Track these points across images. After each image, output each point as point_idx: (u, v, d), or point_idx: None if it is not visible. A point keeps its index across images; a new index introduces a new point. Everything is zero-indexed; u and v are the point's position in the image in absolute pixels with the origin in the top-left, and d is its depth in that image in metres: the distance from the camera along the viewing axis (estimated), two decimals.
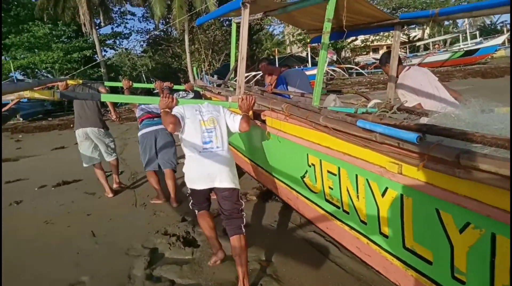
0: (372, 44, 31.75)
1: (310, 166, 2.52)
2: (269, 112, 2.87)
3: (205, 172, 2.40)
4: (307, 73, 5.42)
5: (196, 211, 2.63)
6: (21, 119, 16.08)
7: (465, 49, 23.42)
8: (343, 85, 18.82)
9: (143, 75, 24.75)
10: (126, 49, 30.24)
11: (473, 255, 1.44)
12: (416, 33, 35.08)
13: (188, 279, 2.51)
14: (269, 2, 3.08)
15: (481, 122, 1.49)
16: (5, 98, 2.49)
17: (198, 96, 4.26)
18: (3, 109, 3.40)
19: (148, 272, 2.64)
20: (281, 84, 4.21)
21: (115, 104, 5.05)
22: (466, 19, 26.53)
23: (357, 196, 2.08)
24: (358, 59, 31.61)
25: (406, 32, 30.60)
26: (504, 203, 1.22)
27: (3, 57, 22.32)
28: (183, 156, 2.57)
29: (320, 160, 2.37)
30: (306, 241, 2.87)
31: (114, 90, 13.38)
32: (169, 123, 2.37)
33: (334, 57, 25.14)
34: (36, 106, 17.45)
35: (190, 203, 2.63)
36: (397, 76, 3.18)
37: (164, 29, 27.28)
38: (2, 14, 21.12)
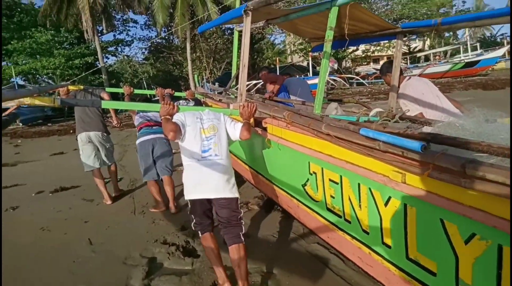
0: (373, 54, 31.96)
1: (311, 174, 2.49)
2: (270, 119, 2.85)
3: (202, 181, 2.37)
4: (308, 82, 5.44)
5: (200, 232, 2.49)
6: (21, 124, 16.05)
7: (465, 60, 23.61)
8: (344, 94, 18.90)
9: (144, 82, 24.88)
10: (127, 56, 30.46)
11: (479, 267, 1.41)
12: (416, 44, 35.35)
13: None
14: (271, 10, 3.09)
15: (486, 131, 1.47)
16: (6, 104, 2.48)
17: (199, 104, 4.25)
18: (3, 114, 3.38)
19: (146, 282, 2.57)
20: (282, 92, 4.21)
21: (116, 110, 5.04)
22: (466, 31, 26.87)
23: (359, 206, 2.04)
24: (358, 69, 31.81)
25: (407, 43, 30.83)
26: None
27: (4, 63, 22.44)
28: (181, 164, 2.54)
29: (322, 168, 2.34)
30: (309, 252, 2.80)
31: (114, 96, 13.39)
32: (169, 131, 2.34)
33: (335, 66, 25.28)
34: (36, 112, 17.42)
35: (193, 223, 2.51)
36: (398, 86, 3.18)
37: (166, 37, 27.50)
38: (5, 20, 21.31)
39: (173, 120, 2.46)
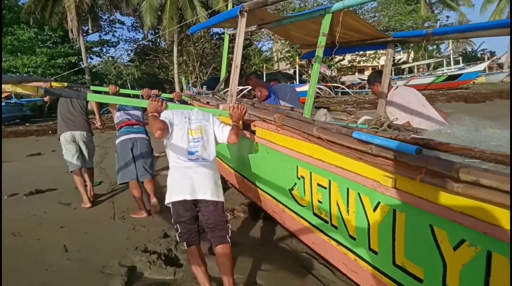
0: (359, 64, 32.55)
1: (299, 179, 2.46)
2: (260, 122, 2.82)
3: (188, 183, 2.31)
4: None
5: (186, 244, 2.36)
6: None
7: (448, 73, 24.30)
8: (330, 103, 19.07)
9: (129, 84, 24.53)
10: (112, 57, 30.06)
11: (466, 273, 1.39)
12: (401, 56, 36.24)
13: None
14: (265, 15, 3.11)
15: (478, 139, 1.48)
16: None
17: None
18: None
19: None
20: (272, 96, 4.20)
21: (99, 110, 4.91)
22: (450, 45, 27.74)
23: (347, 211, 2.02)
24: (344, 78, 32.28)
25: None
26: (503, 220, 1.19)
27: None
28: (165, 168, 2.47)
29: (311, 173, 2.31)
30: (298, 262, 2.73)
31: None
32: (157, 129, 2.28)
33: (327, 72, 25.56)
34: (14, 111, 16.85)
35: (177, 234, 2.39)
36: (387, 95, 3.21)
37: (153, 39, 27.29)
38: None
39: (161, 118, 2.40)
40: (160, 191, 4.02)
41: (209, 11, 19.81)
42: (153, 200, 3.85)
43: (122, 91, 4.55)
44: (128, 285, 2.54)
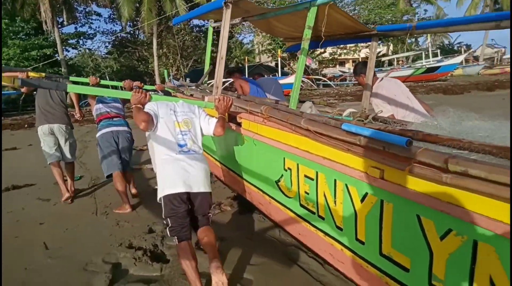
0: (340, 57, 32.84)
1: (286, 170, 2.46)
2: (246, 114, 2.79)
3: (183, 176, 2.28)
4: None
5: (176, 239, 2.27)
6: None
7: (427, 66, 24.83)
8: (312, 95, 19.20)
9: (107, 77, 23.91)
10: (89, 49, 29.17)
11: (452, 262, 1.42)
12: (381, 49, 36.78)
13: None
14: (250, 7, 3.07)
15: (464, 130, 1.50)
16: None
17: (169, 96, 4.10)
18: None
19: None
20: (256, 90, 4.17)
21: (79, 102, 4.75)
22: (428, 38, 28.33)
23: (335, 202, 2.03)
24: (325, 71, 32.53)
25: None
26: (490, 209, 1.22)
27: None
28: (147, 162, 2.41)
29: (298, 164, 2.31)
30: (287, 256, 2.68)
31: None
32: (141, 121, 2.23)
33: (313, 65, 25.63)
34: None
35: (168, 228, 2.31)
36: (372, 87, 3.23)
37: (132, 32, 26.63)
38: None
39: (145, 110, 2.34)
40: (145, 185, 3.94)
41: (190, 4, 19.47)
42: (133, 190, 3.88)
43: (103, 82, 4.42)
44: (112, 282, 2.45)
